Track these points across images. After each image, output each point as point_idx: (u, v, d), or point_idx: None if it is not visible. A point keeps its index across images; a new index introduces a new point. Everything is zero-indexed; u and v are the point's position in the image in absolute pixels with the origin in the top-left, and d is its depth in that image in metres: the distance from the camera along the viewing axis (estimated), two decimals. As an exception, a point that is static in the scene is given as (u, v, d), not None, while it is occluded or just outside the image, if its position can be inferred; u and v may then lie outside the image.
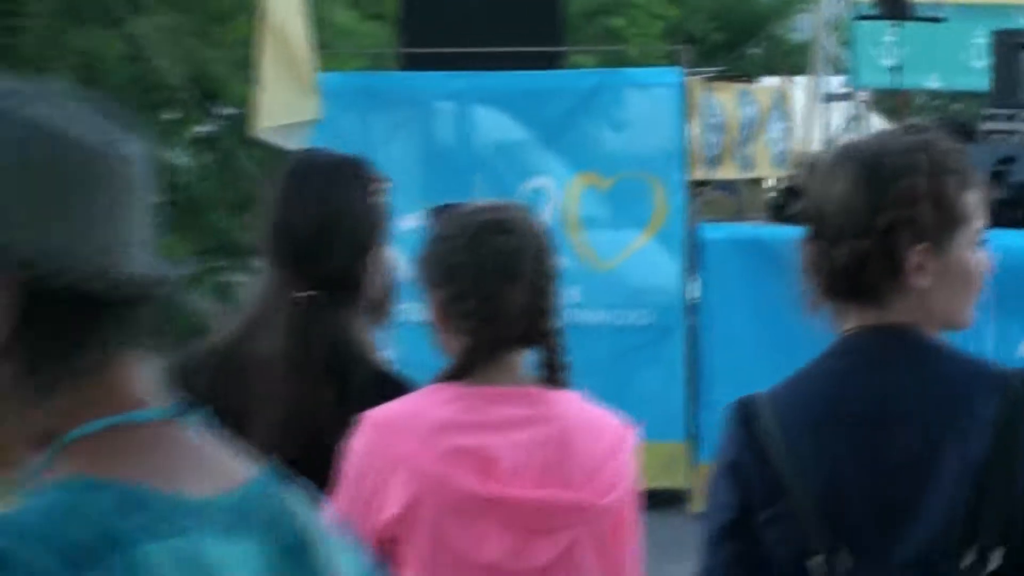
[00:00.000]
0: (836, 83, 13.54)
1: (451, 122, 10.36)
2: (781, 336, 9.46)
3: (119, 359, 1.45)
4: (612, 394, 3.04)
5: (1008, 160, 10.09)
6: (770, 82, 14.05)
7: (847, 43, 13.36)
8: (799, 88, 13.90)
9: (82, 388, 1.43)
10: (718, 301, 9.88)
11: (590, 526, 2.81)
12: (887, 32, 12.39)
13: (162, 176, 1.49)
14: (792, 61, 21.42)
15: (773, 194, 15.23)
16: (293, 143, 9.25)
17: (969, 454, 2.27)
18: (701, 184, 11.63)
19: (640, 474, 2.93)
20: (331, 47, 12.10)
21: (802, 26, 27.79)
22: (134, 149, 1.45)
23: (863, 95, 13.31)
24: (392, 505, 2.78)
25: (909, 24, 12.07)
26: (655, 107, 10.04)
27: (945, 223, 2.35)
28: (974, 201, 2.38)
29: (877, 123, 13.85)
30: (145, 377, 1.47)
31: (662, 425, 8.79)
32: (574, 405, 2.88)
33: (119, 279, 1.42)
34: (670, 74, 10.28)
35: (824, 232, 2.39)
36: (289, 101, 9.54)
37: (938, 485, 2.27)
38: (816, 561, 2.27)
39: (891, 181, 2.34)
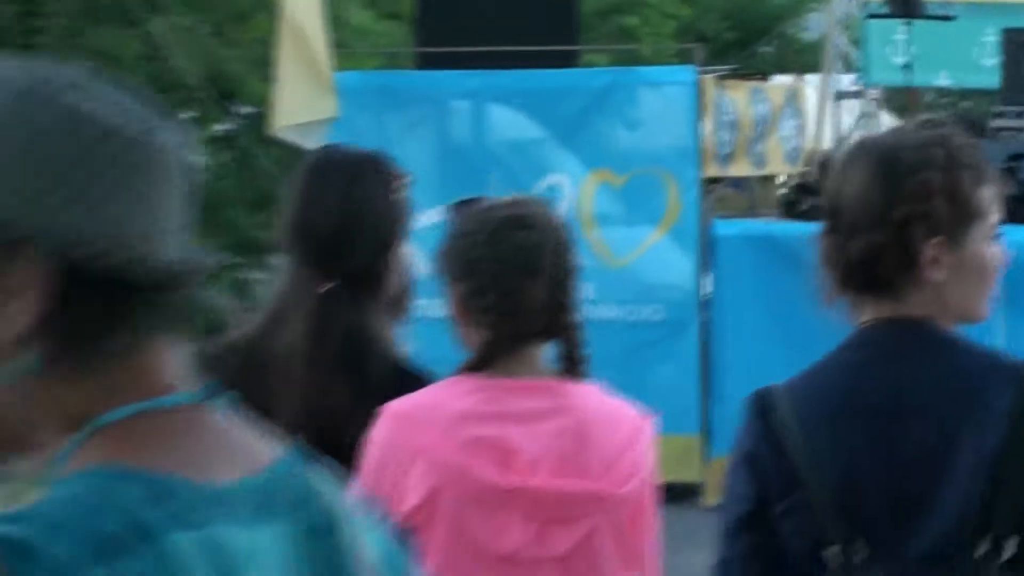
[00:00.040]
0: (847, 81, 13.52)
1: (466, 120, 10.37)
2: (793, 331, 9.49)
3: (149, 344, 1.45)
4: (626, 388, 3.04)
5: (1018, 157, 10.07)
6: (782, 80, 14.05)
7: (858, 41, 13.34)
8: (810, 86, 13.89)
9: (112, 372, 1.43)
10: (730, 296, 9.90)
11: (608, 515, 2.82)
12: (898, 30, 12.37)
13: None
14: (803, 60, 21.42)
15: (784, 191, 15.24)
16: (310, 141, 9.26)
17: (984, 446, 2.27)
18: (713, 181, 11.62)
19: (655, 467, 2.94)
20: (347, 46, 12.11)
21: (812, 25, 27.78)
22: (172, 138, 1.46)
23: (874, 93, 13.29)
24: (412, 495, 2.79)
25: (919, 22, 12.05)
26: (669, 105, 10.03)
27: (960, 217, 2.35)
28: (989, 196, 2.38)
29: (887, 121, 13.84)
30: (174, 362, 1.47)
31: (676, 419, 8.78)
32: (593, 396, 2.89)
33: (156, 265, 1.42)
34: (684, 72, 10.27)
35: (840, 225, 2.39)
36: (306, 100, 9.56)
37: (953, 477, 2.27)
38: (832, 552, 2.27)
39: (907, 176, 2.34)
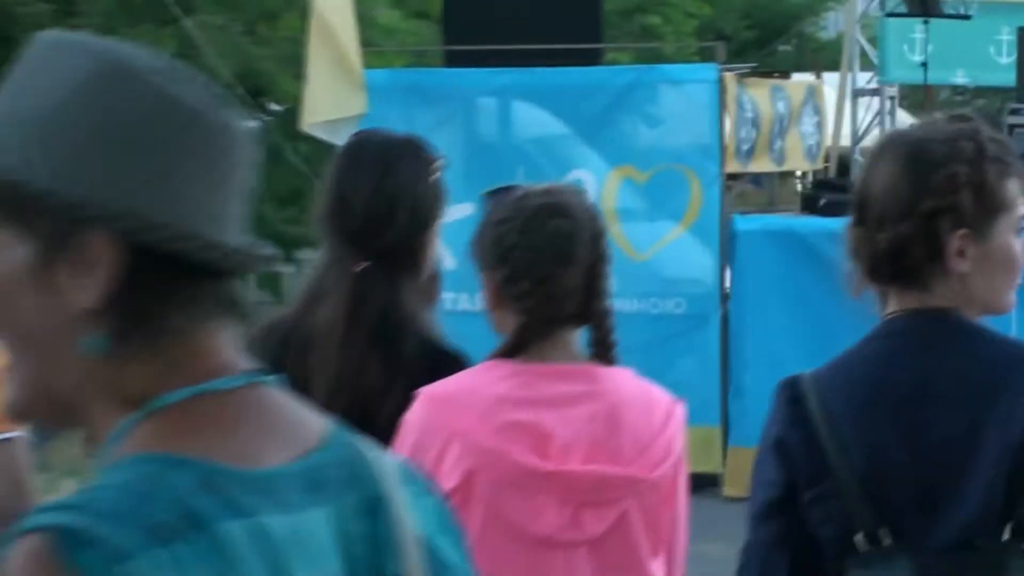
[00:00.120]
0: (864, 79, 13.49)
1: (493, 117, 10.39)
2: (812, 324, 9.52)
3: (206, 327, 1.45)
4: (649, 380, 3.05)
5: (1034, 153, 10.06)
6: (802, 78, 14.02)
7: (876, 39, 13.30)
8: (828, 84, 13.86)
9: (171, 354, 1.43)
10: (750, 290, 9.89)
11: (640, 499, 2.83)
12: (915, 29, 12.34)
13: None
14: (821, 58, 21.39)
15: (801, 187, 15.22)
16: (340, 138, 9.28)
17: (1009, 434, 2.27)
18: (732, 177, 11.62)
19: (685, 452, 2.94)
20: (375, 45, 12.13)
21: (830, 24, 27.71)
22: (243, 127, 1.47)
23: (891, 90, 13.25)
24: (449, 479, 2.79)
25: (936, 21, 12.02)
26: (691, 102, 10.03)
27: (986, 210, 2.35)
28: (1015, 189, 2.39)
29: (904, 118, 13.80)
30: (229, 345, 1.47)
31: (697, 410, 8.76)
32: (625, 381, 2.89)
33: (222, 251, 1.43)
34: (706, 70, 10.27)
35: (868, 217, 2.39)
36: (337, 97, 9.58)
37: (978, 466, 2.27)
38: (858, 539, 2.27)
39: (934, 168, 2.35)
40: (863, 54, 13.47)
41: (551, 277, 2.84)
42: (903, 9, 12.45)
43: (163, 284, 1.42)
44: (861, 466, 2.29)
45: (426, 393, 2.85)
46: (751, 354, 9.82)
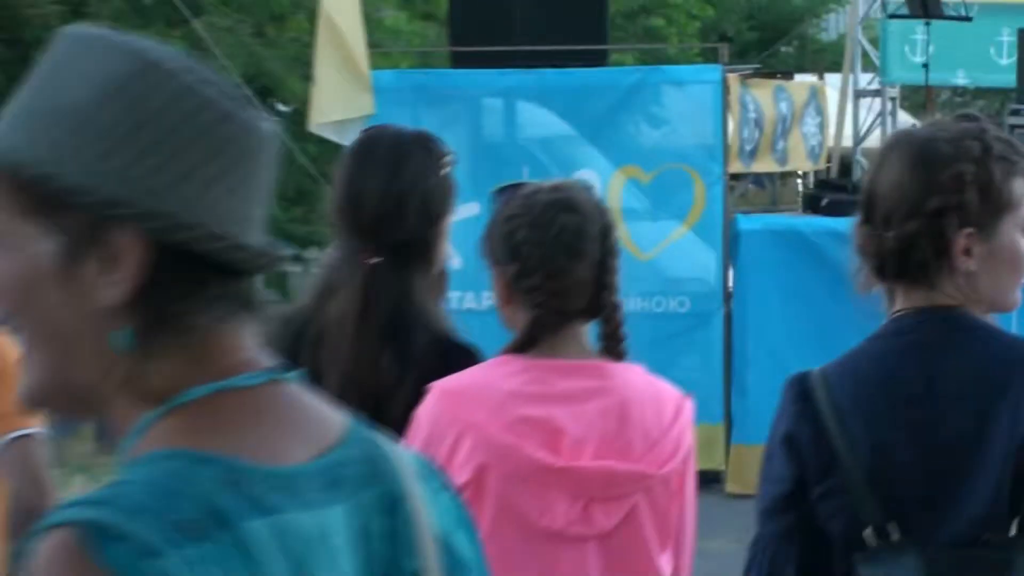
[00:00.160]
0: (866, 80, 13.49)
1: (499, 117, 10.40)
2: (814, 322, 9.53)
3: (227, 324, 1.45)
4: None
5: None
6: (804, 79, 14.02)
7: (877, 41, 13.30)
8: (830, 85, 13.86)
9: (194, 350, 1.43)
10: (753, 289, 9.91)
11: (649, 494, 2.83)
12: (917, 30, 12.34)
13: None
14: (822, 59, 21.38)
15: (802, 187, 15.22)
16: (347, 138, 9.30)
17: (1016, 432, 2.27)
18: (735, 178, 11.62)
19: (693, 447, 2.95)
20: (381, 46, 12.14)
21: (830, 25, 27.70)
22: (268, 128, 1.46)
23: (892, 91, 13.25)
24: (461, 473, 2.79)
25: (937, 22, 12.02)
26: (695, 103, 10.05)
27: (992, 209, 2.36)
28: (1021, 188, 2.39)
29: (904, 119, 13.81)
30: (250, 342, 1.47)
31: (700, 408, 8.76)
32: (635, 377, 2.90)
33: (247, 250, 1.43)
34: (710, 71, 10.28)
35: (875, 215, 2.40)
36: (344, 97, 9.60)
37: (985, 462, 2.27)
38: (867, 534, 2.28)
39: (941, 167, 2.35)
40: (865, 55, 13.47)
41: (561, 271, 2.85)
42: (904, 11, 12.45)
43: (187, 282, 1.42)
44: (868, 462, 2.29)
45: (439, 387, 2.85)
46: (754, 352, 9.83)
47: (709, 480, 9.19)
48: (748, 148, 10.85)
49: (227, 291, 1.44)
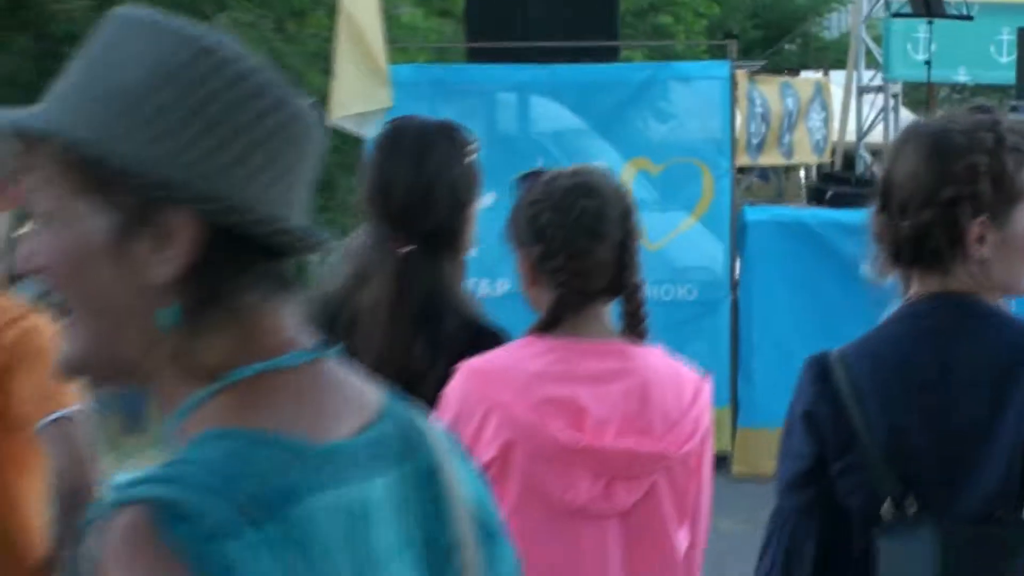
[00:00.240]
0: (869, 77, 13.49)
1: (513, 111, 10.40)
2: (818, 311, 9.55)
3: (272, 304, 1.44)
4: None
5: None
6: (810, 75, 14.03)
7: (880, 39, 13.30)
8: (834, 82, 13.86)
9: (240, 330, 1.42)
10: (759, 278, 9.92)
11: (669, 472, 2.85)
12: (919, 29, 12.34)
13: None
14: (825, 57, 21.38)
15: (805, 180, 15.22)
16: (367, 131, 9.31)
17: None
18: (740, 171, 11.64)
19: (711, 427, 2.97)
20: (397, 42, 12.15)
21: (833, 24, 27.67)
22: (315, 116, 1.46)
23: (895, 88, 13.24)
24: (488, 450, 2.81)
25: (939, 21, 12.02)
26: (704, 98, 10.05)
27: (1004, 198, 2.37)
28: None
29: (906, 115, 13.81)
30: (293, 321, 1.47)
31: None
32: (656, 359, 2.92)
33: (293, 233, 1.42)
34: (718, 67, 10.28)
35: (892, 204, 2.41)
36: (363, 91, 9.60)
37: (997, 445, 2.28)
38: (885, 508, 2.29)
39: (956, 158, 2.36)
40: (868, 53, 13.47)
41: (583, 252, 2.87)
42: (907, 10, 12.44)
43: (234, 262, 1.41)
44: (886, 441, 2.30)
45: (466, 367, 2.87)
46: (759, 339, 9.85)
47: (716, 462, 9.19)
48: (755, 142, 10.87)
49: (270, 272, 1.44)
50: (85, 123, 1.39)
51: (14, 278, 3.28)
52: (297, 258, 1.47)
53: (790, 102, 11.49)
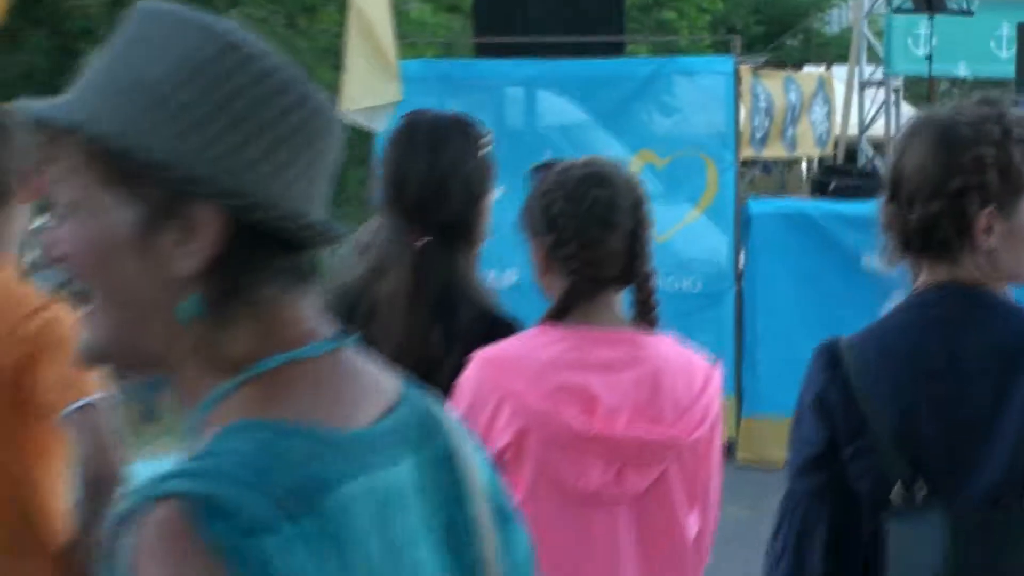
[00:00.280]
0: (870, 71, 13.49)
1: (520, 106, 10.41)
2: (821, 302, 9.55)
3: (293, 296, 1.44)
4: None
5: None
6: (812, 70, 14.04)
7: (881, 34, 13.29)
8: (836, 76, 13.86)
9: (262, 321, 1.41)
10: (763, 269, 9.93)
11: (679, 459, 2.86)
12: (920, 24, 12.33)
13: None
14: (826, 52, 21.37)
15: (807, 173, 15.22)
16: (377, 124, 9.32)
17: None
18: (743, 164, 11.64)
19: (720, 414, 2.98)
20: (407, 38, 12.15)
21: (833, 19, 27.65)
22: (336, 116, 1.46)
23: (895, 82, 13.24)
24: (502, 437, 2.82)
25: (940, 16, 12.01)
26: (709, 92, 10.05)
27: (1011, 189, 2.37)
28: None
29: (907, 109, 13.81)
30: (312, 312, 1.46)
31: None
32: (667, 347, 2.92)
33: (314, 227, 1.42)
34: (723, 62, 10.28)
35: (901, 194, 2.41)
36: (373, 85, 9.60)
37: (1004, 432, 2.28)
38: (894, 494, 2.29)
39: (963, 150, 2.36)
40: (870, 48, 13.46)
41: (595, 241, 2.87)
42: (908, 6, 12.43)
43: (257, 255, 1.41)
44: (896, 427, 2.31)
45: (480, 356, 2.88)
46: (763, 330, 9.86)
47: (721, 451, 9.22)
48: (759, 135, 10.86)
49: (291, 265, 1.43)
50: (112, 116, 1.38)
51: (32, 268, 3.29)
52: (316, 251, 1.47)
53: (793, 96, 11.49)
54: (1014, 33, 12.03)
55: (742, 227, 9.91)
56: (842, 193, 10.22)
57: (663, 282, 10.51)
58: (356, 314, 3.16)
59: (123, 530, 1.30)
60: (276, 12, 13.76)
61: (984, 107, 2.41)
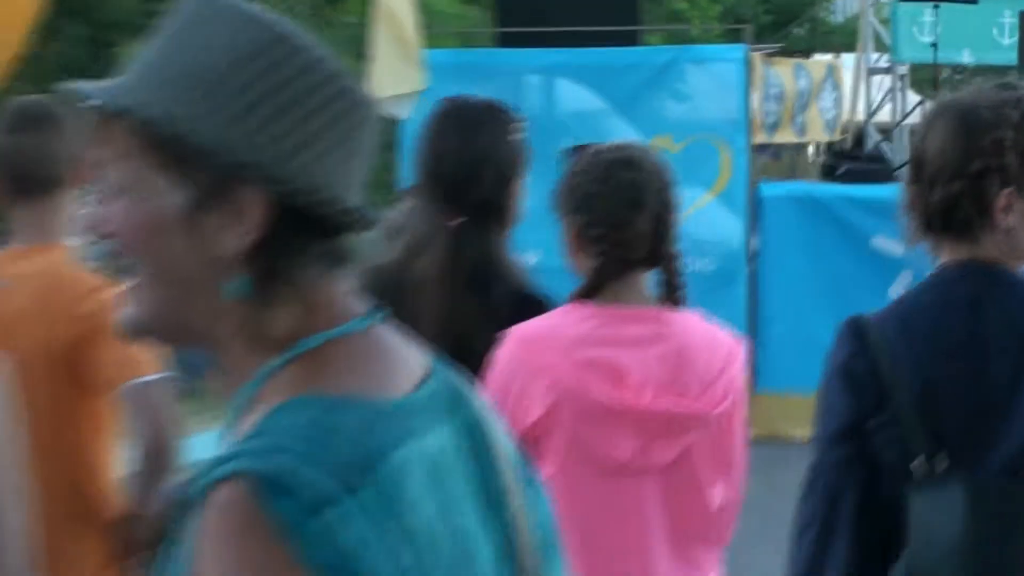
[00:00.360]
0: (876, 59, 13.44)
1: (539, 93, 10.41)
2: (831, 282, 9.56)
3: (332, 276, 1.45)
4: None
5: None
6: (822, 57, 14.01)
7: (888, 22, 13.25)
8: (844, 64, 13.82)
9: (305, 301, 1.42)
10: (775, 251, 9.94)
11: (704, 431, 2.87)
12: (925, 12, 12.29)
13: None
14: (831, 41, 21.32)
15: (814, 158, 15.20)
16: (401, 112, 9.33)
17: None
18: (757, 148, 11.62)
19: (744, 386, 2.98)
20: (429, 27, 12.15)
21: (838, 9, 27.59)
22: (375, 106, 1.47)
23: (902, 69, 13.21)
24: (535, 410, 2.84)
25: (945, 5, 11.98)
26: (722, 80, 10.05)
27: None
28: None
29: (912, 95, 13.78)
30: (349, 291, 1.47)
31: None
32: (692, 323, 2.93)
33: (353, 212, 1.43)
34: (735, 51, 10.28)
35: (923, 176, 2.41)
36: (398, 74, 9.60)
37: (1021, 409, 2.29)
38: (917, 464, 2.30)
39: (983, 132, 2.36)
40: (876, 36, 13.42)
41: (623, 223, 2.88)
42: (914, -6, 12.39)
43: (299, 238, 1.42)
44: (917, 402, 2.31)
45: (514, 333, 2.89)
46: (775, 309, 9.87)
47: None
48: (770, 121, 10.85)
49: (330, 247, 1.44)
50: (164, 102, 1.39)
51: (85, 251, 3.30)
52: (352, 234, 1.47)
53: (803, 83, 11.47)
54: (1016, 21, 11.98)
55: (755, 210, 9.91)
56: (850, 177, 10.22)
57: (678, 263, 10.47)
58: (394, 293, 3.17)
59: (188, 513, 1.30)
60: (301, 3, 13.76)
61: (1004, 92, 2.41)
